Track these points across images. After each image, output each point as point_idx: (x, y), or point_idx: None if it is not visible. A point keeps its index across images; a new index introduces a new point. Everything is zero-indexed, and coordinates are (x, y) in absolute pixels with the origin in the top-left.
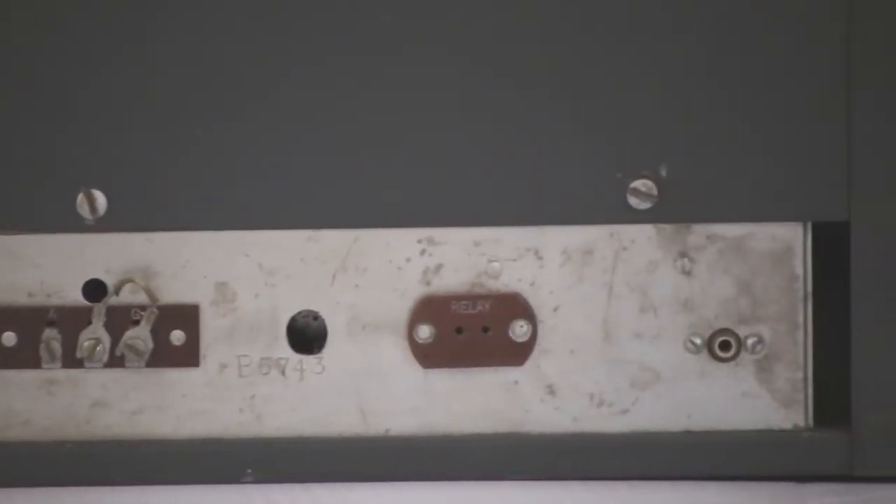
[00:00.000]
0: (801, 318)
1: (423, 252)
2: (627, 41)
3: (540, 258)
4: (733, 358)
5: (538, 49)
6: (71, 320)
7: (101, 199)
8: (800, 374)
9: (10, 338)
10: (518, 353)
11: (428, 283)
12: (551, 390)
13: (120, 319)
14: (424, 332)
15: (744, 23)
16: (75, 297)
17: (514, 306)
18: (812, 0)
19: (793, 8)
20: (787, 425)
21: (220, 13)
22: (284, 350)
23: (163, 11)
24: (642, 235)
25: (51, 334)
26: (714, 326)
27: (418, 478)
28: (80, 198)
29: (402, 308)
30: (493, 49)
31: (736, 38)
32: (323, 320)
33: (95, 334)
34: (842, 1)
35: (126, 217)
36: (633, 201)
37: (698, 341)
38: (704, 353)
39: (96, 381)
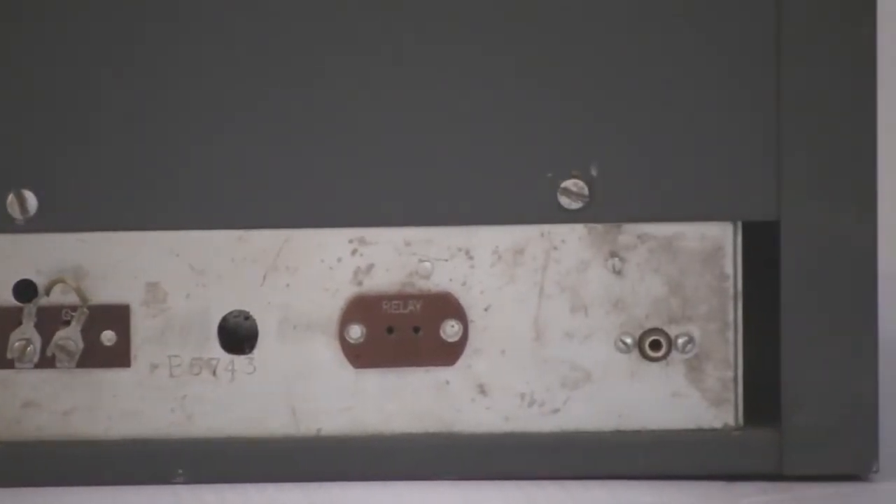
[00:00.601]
0: (731, 318)
1: (354, 252)
2: (557, 41)
3: (471, 258)
4: (664, 357)
5: (467, 50)
6: (1, 321)
7: (31, 199)
8: (730, 374)
9: None
10: (449, 353)
11: (359, 283)
12: (482, 390)
13: (50, 320)
14: (355, 331)
15: (674, 23)
16: (5, 297)
17: (446, 306)
18: (742, 1)
19: (724, 7)
20: (718, 424)
21: (147, 13)
22: (216, 350)
23: (91, 11)
24: (573, 235)
25: None
26: (644, 326)
27: (349, 478)
28: (11, 198)
29: (333, 308)
30: (422, 50)
31: (666, 38)
32: (254, 320)
33: (26, 335)
34: (770, 6)
35: (56, 217)
36: (564, 201)
37: (629, 341)
38: (635, 353)
39: (27, 382)
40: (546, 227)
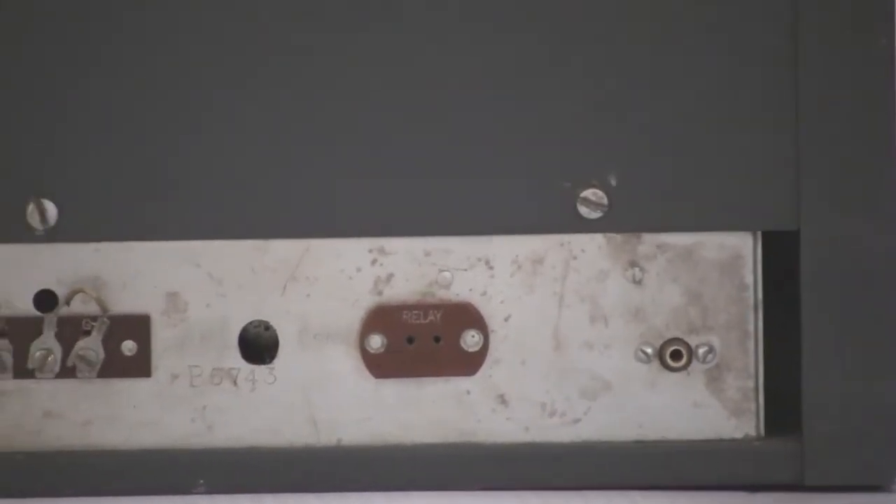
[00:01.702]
0: (751, 327)
1: (374, 262)
2: (576, 50)
3: (491, 268)
4: (684, 367)
5: (486, 58)
6: (21, 331)
7: (51, 209)
8: (751, 384)
9: None
10: (469, 363)
11: (379, 293)
12: (503, 400)
13: (71, 330)
14: (376, 341)
15: (693, 32)
16: (26, 307)
17: (466, 316)
18: (760, 11)
19: (742, 18)
20: (738, 435)
21: (169, 27)
22: (236, 360)
23: (113, 24)
24: (592, 245)
25: (1, 345)
26: (665, 336)
27: (369, 488)
28: (31, 208)
29: (353, 318)
30: (440, 59)
31: (686, 47)
32: (274, 330)
33: (46, 345)
34: (790, 10)
35: (77, 227)
36: (584, 210)
37: (649, 351)
38: (655, 363)
39: (47, 392)
40: (565, 237)
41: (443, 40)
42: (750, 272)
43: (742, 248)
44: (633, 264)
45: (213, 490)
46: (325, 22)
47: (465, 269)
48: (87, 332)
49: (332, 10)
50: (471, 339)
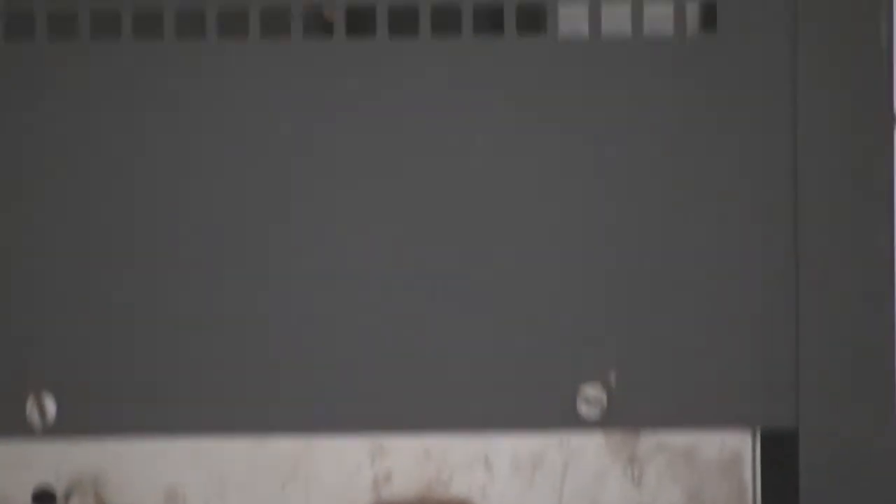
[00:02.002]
0: None
1: (373, 460)
2: (572, 247)
3: (490, 466)
4: None
5: (484, 253)
6: None
7: (50, 405)
8: None
9: None
10: None
11: (378, 492)
12: None
13: None
14: None
15: (689, 232)
16: None
17: None
18: (760, 216)
19: (739, 219)
20: None
21: (164, 219)
22: None
23: (108, 218)
24: (591, 443)
25: None
26: None
27: None
28: (30, 404)
29: None
30: (441, 254)
31: (681, 246)
32: None
33: None
34: (788, 213)
35: (75, 423)
36: (583, 409)
37: None
38: None
39: None
40: (564, 435)
41: (441, 241)
42: (749, 471)
43: (741, 448)
44: (632, 463)
45: None
46: (318, 228)
47: (465, 468)
48: None
49: (320, 208)
50: None
